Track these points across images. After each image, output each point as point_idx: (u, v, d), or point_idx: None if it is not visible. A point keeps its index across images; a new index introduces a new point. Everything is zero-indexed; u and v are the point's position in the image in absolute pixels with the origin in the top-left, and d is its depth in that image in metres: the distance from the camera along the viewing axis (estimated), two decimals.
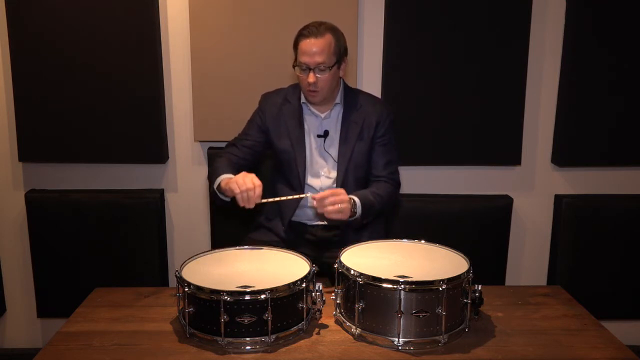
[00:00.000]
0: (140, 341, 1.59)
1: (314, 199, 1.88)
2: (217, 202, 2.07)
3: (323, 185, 2.17)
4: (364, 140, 2.14)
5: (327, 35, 2.02)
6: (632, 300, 2.79)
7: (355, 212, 1.96)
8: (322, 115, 2.16)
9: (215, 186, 2.02)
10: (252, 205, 1.86)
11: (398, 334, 1.56)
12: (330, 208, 1.86)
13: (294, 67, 2.09)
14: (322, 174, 2.17)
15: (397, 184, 2.20)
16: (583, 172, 2.77)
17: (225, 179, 1.96)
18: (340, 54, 2.07)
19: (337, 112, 2.17)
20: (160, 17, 2.59)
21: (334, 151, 2.15)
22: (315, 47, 2.00)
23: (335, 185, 2.14)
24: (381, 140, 2.16)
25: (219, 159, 2.13)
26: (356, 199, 1.97)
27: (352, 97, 2.18)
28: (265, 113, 2.20)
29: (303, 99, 2.17)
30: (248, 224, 2.40)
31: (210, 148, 2.69)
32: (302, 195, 2.02)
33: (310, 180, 2.18)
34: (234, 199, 1.91)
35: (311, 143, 2.17)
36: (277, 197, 2.05)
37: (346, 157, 2.13)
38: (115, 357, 1.52)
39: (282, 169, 2.21)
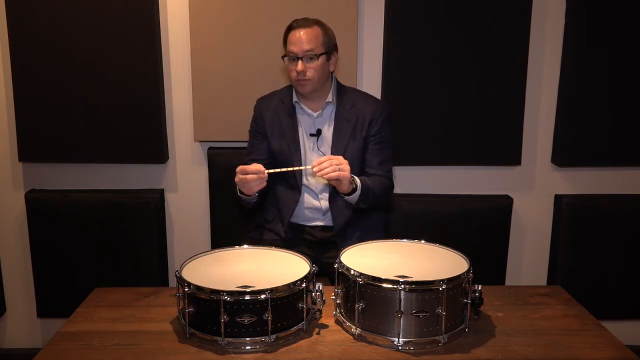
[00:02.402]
0: (140, 341, 1.59)
1: (313, 166, 1.89)
2: (246, 206, 2.14)
3: (318, 184, 2.17)
4: (357, 138, 2.13)
5: (315, 26, 2.06)
6: (632, 300, 2.78)
7: (356, 187, 1.97)
8: (315, 114, 2.16)
9: (238, 192, 2.06)
10: (260, 183, 1.92)
11: (398, 334, 1.56)
12: (329, 169, 1.86)
13: (283, 58, 2.10)
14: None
15: (392, 183, 2.20)
16: (583, 172, 2.76)
17: None
18: (330, 47, 2.09)
19: (329, 111, 2.17)
20: (160, 17, 2.59)
21: (327, 150, 2.14)
22: (303, 36, 2.03)
23: (329, 185, 2.14)
24: (375, 139, 2.14)
25: None
26: (355, 176, 1.99)
27: (345, 95, 2.18)
28: (261, 117, 2.21)
29: (295, 98, 2.17)
30: (248, 224, 2.40)
31: (210, 148, 2.69)
32: (302, 168, 2.09)
33: (307, 179, 2.18)
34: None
35: (305, 142, 2.17)
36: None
37: None
38: (115, 357, 1.52)
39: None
